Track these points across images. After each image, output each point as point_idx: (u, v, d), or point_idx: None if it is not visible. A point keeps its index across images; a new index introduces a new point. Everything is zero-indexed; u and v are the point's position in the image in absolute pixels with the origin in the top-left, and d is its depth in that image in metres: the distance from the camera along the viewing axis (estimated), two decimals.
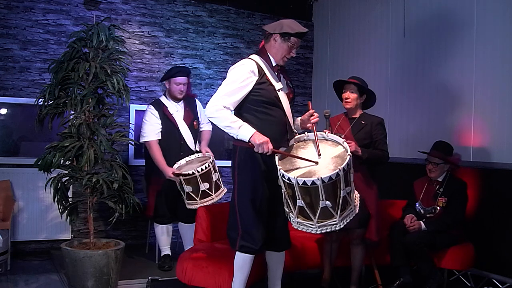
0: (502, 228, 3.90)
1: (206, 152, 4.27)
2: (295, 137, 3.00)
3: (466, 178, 4.00)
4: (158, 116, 4.18)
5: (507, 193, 3.87)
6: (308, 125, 3.01)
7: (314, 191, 2.64)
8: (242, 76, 2.85)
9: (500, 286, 3.89)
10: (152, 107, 4.24)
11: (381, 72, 5.25)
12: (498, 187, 3.96)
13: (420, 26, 4.80)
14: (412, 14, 4.90)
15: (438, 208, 3.86)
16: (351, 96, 3.61)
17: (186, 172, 3.85)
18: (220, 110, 2.79)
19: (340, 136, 3.29)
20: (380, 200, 3.71)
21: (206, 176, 3.88)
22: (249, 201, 2.88)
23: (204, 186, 3.87)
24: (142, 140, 4.22)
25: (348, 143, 3.40)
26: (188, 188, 3.90)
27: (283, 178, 2.71)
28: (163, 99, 4.30)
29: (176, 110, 4.26)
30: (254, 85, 2.88)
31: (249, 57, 2.98)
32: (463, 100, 4.30)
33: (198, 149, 4.33)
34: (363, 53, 5.56)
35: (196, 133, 4.37)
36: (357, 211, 2.87)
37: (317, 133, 2.96)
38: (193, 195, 3.91)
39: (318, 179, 2.59)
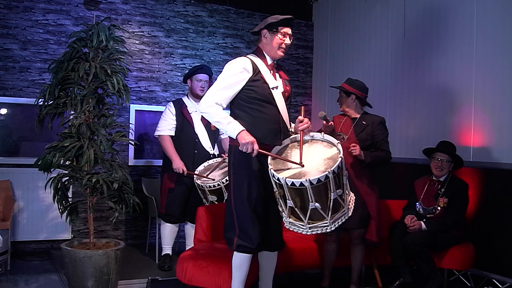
0: (502, 228, 3.90)
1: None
2: (291, 137, 3.00)
3: (466, 178, 4.00)
4: (174, 113, 4.30)
5: (507, 193, 3.87)
6: (298, 131, 2.96)
7: (303, 192, 2.63)
8: (234, 72, 2.89)
9: (500, 286, 3.89)
10: (171, 104, 4.38)
11: (381, 72, 5.25)
12: (498, 187, 3.96)
13: (420, 26, 4.80)
14: (412, 14, 4.89)
15: (439, 208, 3.85)
16: (340, 101, 3.73)
17: (212, 185, 3.91)
18: (211, 106, 2.84)
19: (343, 137, 3.29)
20: (380, 200, 3.72)
21: None
22: (245, 200, 2.88)
23: None
24: (155, 133, 4.37)
25: (353, 146, 3.41)
26: (212, 198, 3.97)
27: (273, 178, 2.72)
28: (184, 98, 4.43)
29: (195, 110, 4.32)
30: (248, 82, 2.91)
31: (245, 55, 3.01)
32: (463, 100, 4.30)
33: (215, 153, 4.35)
34: (363, 53, 5.56)
35: (214, 135, 4.40)
36: (350, 214, 2.86)
37: (314, 133, 2.97)
38: (216, 203, 3.96)
39: (306, 180, 2.58)
